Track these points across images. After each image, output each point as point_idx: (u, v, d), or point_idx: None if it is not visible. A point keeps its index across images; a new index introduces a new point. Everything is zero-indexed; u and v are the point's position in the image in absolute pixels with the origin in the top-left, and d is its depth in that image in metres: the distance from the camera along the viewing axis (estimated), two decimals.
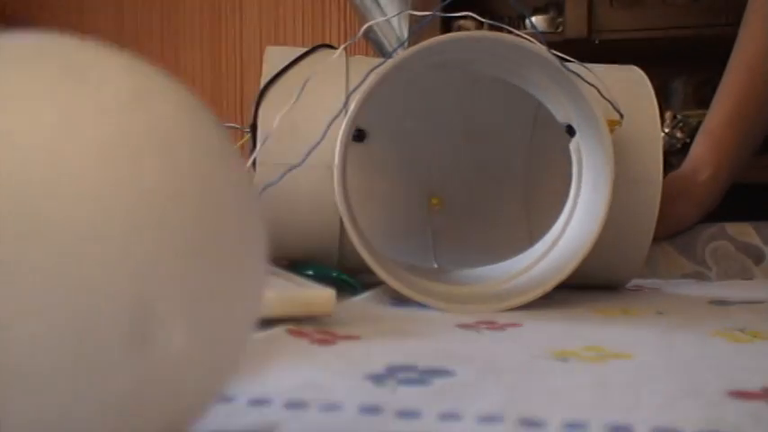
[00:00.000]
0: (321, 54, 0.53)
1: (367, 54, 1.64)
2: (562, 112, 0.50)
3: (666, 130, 1.39)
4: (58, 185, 0.15)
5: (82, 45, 0.18)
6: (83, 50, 0.18)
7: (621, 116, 0.49)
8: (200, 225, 0.17)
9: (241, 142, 0.53)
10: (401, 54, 0.46)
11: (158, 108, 0.17)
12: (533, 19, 1.44)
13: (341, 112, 0.48)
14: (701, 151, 0.72)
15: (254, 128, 0.50)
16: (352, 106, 0.47)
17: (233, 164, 0.19)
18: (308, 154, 0.47)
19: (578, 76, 0.46)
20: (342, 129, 0.46)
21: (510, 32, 0.47)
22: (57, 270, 0.15)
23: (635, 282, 0.58)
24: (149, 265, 0.16)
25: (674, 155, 1.33)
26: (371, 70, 0.47)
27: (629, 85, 0.54)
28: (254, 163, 0.49)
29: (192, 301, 0.17)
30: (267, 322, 0.35)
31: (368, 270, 0.45)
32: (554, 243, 0.50)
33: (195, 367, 0.17)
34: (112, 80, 0.17)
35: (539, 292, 0.45)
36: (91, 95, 0.16)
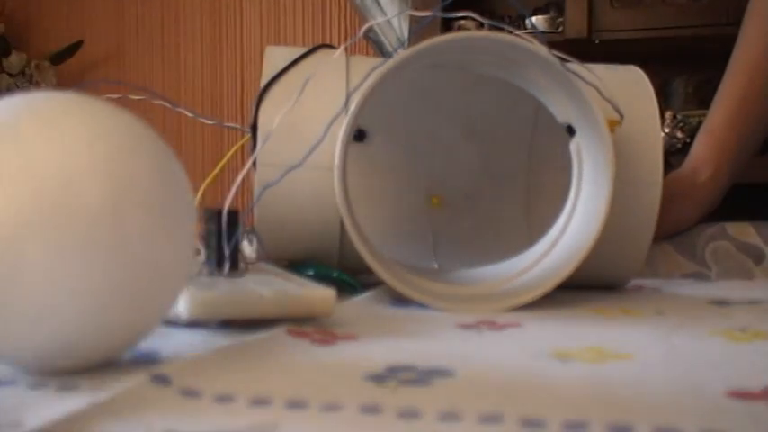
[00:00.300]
0: (321, 54, 0.53)
1: (367, 54, 1.65)
2: (562, 112, 0.50)
3: (666, 130, 1.39)
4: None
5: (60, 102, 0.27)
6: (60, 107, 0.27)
7: (621, 116, 0.49)
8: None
9: (241, 142, 0.53)
10: (401, 54, 0.46)
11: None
12: (533, 19, 1.44)
13: (341, 112, 0.48)
14: (702, 151, 0.72)
15: (254, 128, 0.50)
16: (352, 106, 0.47)
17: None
18: (309, 154, 0.47)
19: (578, 76, 0.46)
20: (342, 129, 0.46)
21: (510, 32, 0.47)
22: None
23: (635, 281, 0.58)
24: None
25: (674, 155, 1.33)
26: (372, 70, 0.47)
27: (629, 85, 0.54)
28: (254, 163, 0.49)
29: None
30: (267, 322, 0.35)
31: (368, 270, 0.45)
32: (554, 243, 0.50)
33: None
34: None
35: (539, 293, 0.45)
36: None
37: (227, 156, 0.55)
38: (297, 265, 0.50)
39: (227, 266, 0.43)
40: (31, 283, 0.24)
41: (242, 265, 0.45)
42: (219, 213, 0.43)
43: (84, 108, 0.27)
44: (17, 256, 0.24)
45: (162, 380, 0.26)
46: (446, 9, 0.49)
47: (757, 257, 0.68)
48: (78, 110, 0.27)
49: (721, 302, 0.48)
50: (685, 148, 1.33)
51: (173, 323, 0.35)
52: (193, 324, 0.35)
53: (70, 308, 0.25)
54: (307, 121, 0.49)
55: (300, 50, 0.53)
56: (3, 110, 0.26)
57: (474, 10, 0.50)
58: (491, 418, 0.23)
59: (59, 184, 0.25)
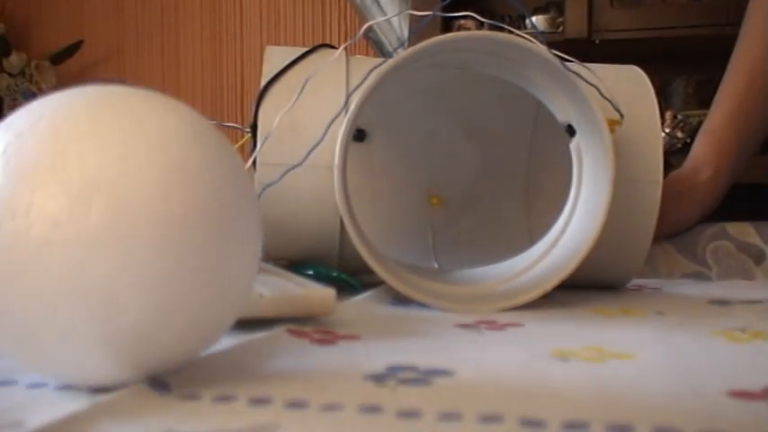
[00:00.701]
0: (321, 54, 0.53)
1: (367, 54, 1.64)
2: (562, 111, 0.50)
3: (667, 130, 1.39)
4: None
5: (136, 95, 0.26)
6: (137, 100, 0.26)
7: (622, 116, 0.49)
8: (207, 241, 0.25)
9: (241, 142, 0.53)
10: (401, 54, 0.46)
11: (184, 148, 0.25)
12: (534, 19, 1.44)
13: (341, 111, 0.48)
14: (702, 151, 0.72)
15: (254, 128, 0.50)
16: (352, 106, 0.47)
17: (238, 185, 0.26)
18: (309, 154, 0.47)
19: (578, 75, 0.46)
20: (342, 128, 0.46)
21: (510, 32, 0.47)
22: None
23: (635, 281, 0.58)
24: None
25: (674, 155, 1.33)
26: (372, 70, 0.47)
27: (629, 85, 0.54)
28: (254, 163, 0.49)
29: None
30: (267, 322, 0.35)
31: (368, 270, 0.45)
32: (554, 243, 0.50)
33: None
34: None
35: (539, 292, 0.45)
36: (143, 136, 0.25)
37: None
38: (297, 265, 0.50)
39: None
40: (94, 278, 0.23)
41: None
42: None
43: (152, 103, 0.26)
44: (79, 254, 0.23)
45: (161, 381, 0.26)
46: (446, 9, 0.49)
47: (758, 257, 0.68)
48: (149, 106, 0.26)
49: (721, 302, 0.48)
50: (685, 148, 1.33)
51: None
52: None
53: (132, 306, 0.24)
54: (307, 121, 0.49)
55: (300, 50, 0.53)
56: (78, 111, 0.25)
57: (474, 10, 0.50)
58: (491, 418, 0.23)
59: (126, 184, 0.23)
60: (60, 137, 0.24)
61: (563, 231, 0.50)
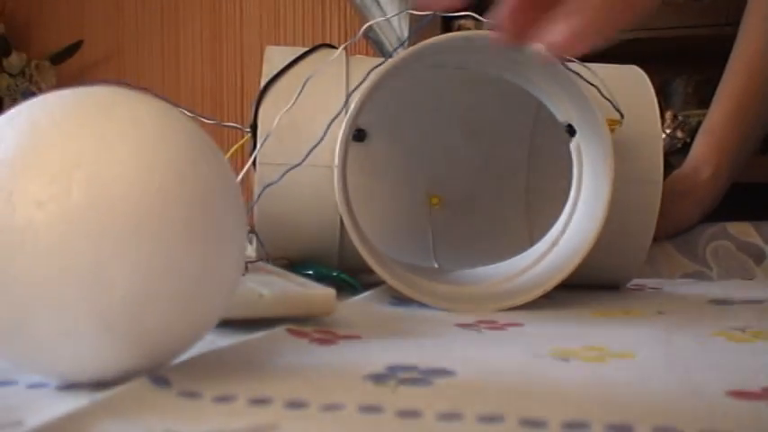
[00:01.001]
0: (321, 54, 0.53)
1: (367, 54, 1.64)
2: (562, 111, 0.50)
3: (667, 131, 1.39)
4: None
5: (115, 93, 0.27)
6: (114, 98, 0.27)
7: (622, 116, 0.49)
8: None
9: (241, 142, 0.53)
10: (401, 54, 0.46)
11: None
12: None
13: (341, 111, 0.48)
14: (702, 151, 0.72)
15: (254, 128, 0.50)
16: (352, 106, 0.47)
17: (220, 179, 0.27)
18: (309, 154, 0.47)
19: (579, 75, 0.46)
20: (342, 128, 0.46)
21: None
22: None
23: (636, 281, 0.58)
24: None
25: (674, 155, 1.33)
26: (372, 70, 0.47)
27: (630, 85, 0.54)
28: (254, 163, 0.49)
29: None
30: (267, 322, 0.35)
31: (368, 270, 0.45)
32: (554, 243, 0.50)
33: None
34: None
35: (539, 292, 0.45)
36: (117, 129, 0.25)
37: (227, 156, 0.55)
38: (297, 265, 0.50)
39: None
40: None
41: None
42: None
43: (135, 104, 0.27)
44: (66, 252, 0.23)
45: (162, 380, 0.26)
46: None
47: (758, 257, 0.68)
48: (131, 106, 0.26)
49: (722, 302, 0.48)
50: (685, 148, 1.32)
51: None
52: None
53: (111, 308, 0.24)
54: (307, 121, 0.49)
55: (300, 50, 0.53)
56: (53, 104, 0.26)
57: (474, 10, 0.50)
58: (491, 418, 0.23)
59: (109, 181, 0.24)
60: (37, 127, 0.25)
61: (563, 231, 0.50)
